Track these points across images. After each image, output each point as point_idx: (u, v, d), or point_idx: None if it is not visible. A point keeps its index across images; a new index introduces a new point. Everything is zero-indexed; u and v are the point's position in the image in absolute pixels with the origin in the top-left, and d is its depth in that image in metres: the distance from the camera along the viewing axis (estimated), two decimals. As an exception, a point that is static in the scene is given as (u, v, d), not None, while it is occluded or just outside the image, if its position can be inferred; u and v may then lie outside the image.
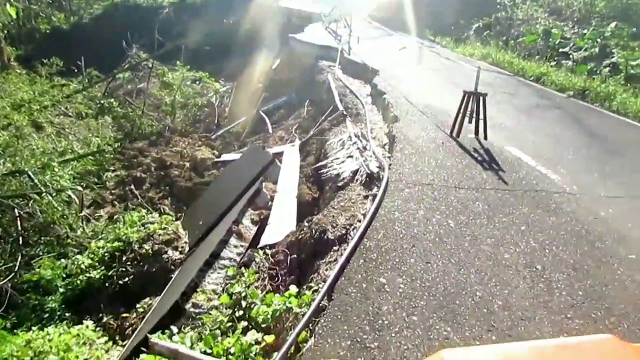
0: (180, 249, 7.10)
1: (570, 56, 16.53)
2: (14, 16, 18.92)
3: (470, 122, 7.76)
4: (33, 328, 5.54)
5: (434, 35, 23.49)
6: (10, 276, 6.78)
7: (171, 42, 19.71)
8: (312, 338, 3.24)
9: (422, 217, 4.98)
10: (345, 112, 9.33)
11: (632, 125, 10.14)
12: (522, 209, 5.44)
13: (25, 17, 23.81)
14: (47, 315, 6.14)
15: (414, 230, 4.69)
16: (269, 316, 3.74)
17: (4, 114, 11.92)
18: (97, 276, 6.53)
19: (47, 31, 23.95)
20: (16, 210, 7.88)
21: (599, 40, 16.46)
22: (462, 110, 7.70)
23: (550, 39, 18.15)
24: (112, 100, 15.60)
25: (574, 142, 8.37)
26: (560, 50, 17.28)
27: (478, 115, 7.65)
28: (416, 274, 3.96)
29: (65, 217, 8.55)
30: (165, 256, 6.82)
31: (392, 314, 3.45)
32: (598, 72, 14.50)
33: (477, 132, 7.79)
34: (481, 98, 7.55)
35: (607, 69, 14.51)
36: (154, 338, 3.91)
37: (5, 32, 20.38)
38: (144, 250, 6.78)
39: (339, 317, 3.42)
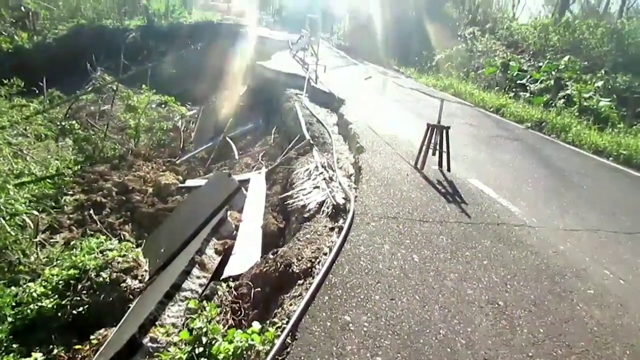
0: (140, 278, 6.85)
1: (528, 88, 17.28)
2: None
3: (434, 154, 7.93)
4: (-24, 360, 5.22)
5: (399, 65, 24.11)
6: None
7: (137, 65, 19.55)
8: (275, 381, 3.16)
9: (387, 252, 4.99)
10: (312, 141, 9.36)
11: (587, 157, 10.58)
12: (484, 243, 5.53)
13: (-15, 35, 23.28)
14: (-8, 346, 5.77)
15: (379, 265, 4.68)
16: (230, 354, 3.62)
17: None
18: (50, 305, 6.16)
19: (9, 50, 23.34)
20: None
21: (553, 72, 17.27)
22: (426, 143, 7.85)
23: (509, 71, 18.91)
24: (74, 122, 15.16)
25: (533, 174, 8.63)
26: (518, 82, 18.04)
27: (442, 148, 7.84)
28: (381, 311, 3.93)
29: (18, 242, 8.19)
30: (123, 285, 6.55)
31: (356, 354, 3.40)
32: (553, 104, 15.18)
33: (440, 164, 7.94)
34: (444, 131, 7.74)
35: (562, 100, 15.19)
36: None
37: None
38: (101, 279, 6.46)
39: (302, 357, 3.35)
